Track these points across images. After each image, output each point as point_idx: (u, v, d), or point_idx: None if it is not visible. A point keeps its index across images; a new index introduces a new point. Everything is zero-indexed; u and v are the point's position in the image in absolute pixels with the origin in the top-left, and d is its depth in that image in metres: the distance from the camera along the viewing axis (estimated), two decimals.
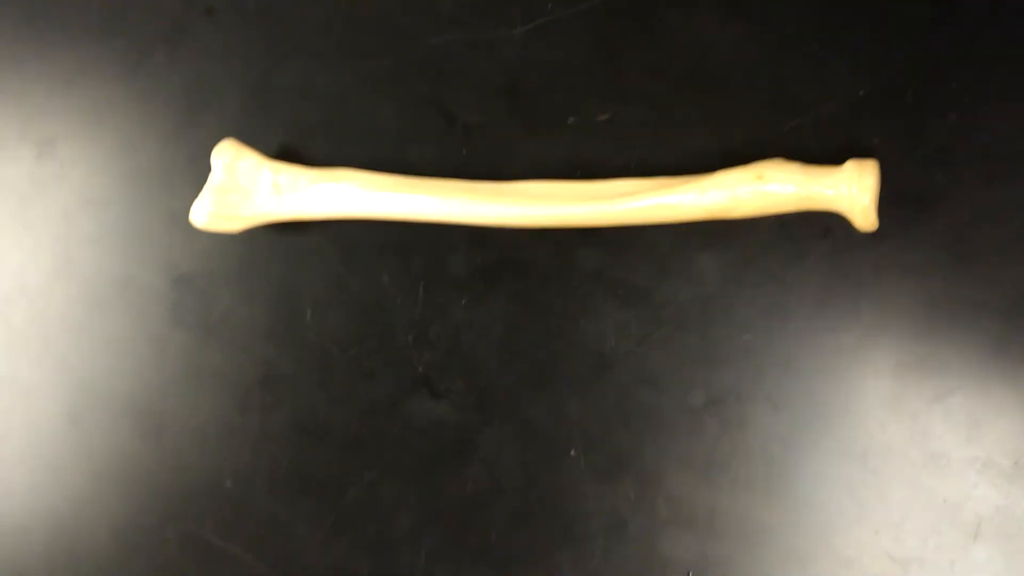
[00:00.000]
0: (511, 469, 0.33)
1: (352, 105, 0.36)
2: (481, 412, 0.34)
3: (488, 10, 0.36)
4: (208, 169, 0.34)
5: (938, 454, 0.30)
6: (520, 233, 0.34)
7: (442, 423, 0.34)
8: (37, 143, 0.38)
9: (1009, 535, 0.29)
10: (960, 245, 0.31)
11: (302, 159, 0.35)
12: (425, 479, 0.34)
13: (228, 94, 0.37)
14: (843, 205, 0.30)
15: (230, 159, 0.33)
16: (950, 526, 0.30)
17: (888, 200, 0.30)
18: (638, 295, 0.33)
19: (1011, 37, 0.32)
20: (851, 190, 0.29)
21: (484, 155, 0.35)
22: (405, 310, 0.34)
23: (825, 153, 0.32)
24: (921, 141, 0.32)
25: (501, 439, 0.33)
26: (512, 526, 0.33)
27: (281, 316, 0.35)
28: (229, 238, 0.35)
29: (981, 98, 0.31)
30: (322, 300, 0.35)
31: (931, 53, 0.32)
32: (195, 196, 0.34)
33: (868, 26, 0.33)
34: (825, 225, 0.31)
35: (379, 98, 0.36)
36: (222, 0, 0.37)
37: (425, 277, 0.34)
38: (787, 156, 0.31)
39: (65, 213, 0.37)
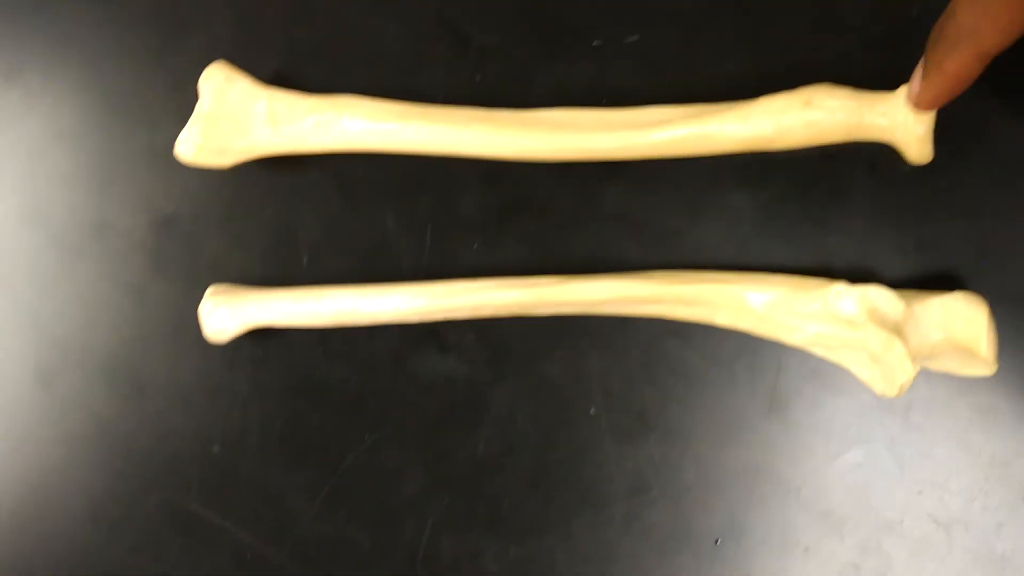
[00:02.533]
0: (525, 429, 0.38)
1: (354, 24, 0.40)
2: (493, 367, 0.39)
3: None
4: (194, 98, 0.37)
5: (986, 408, 0.36)
6: (538, 170, 0.39)
7: (451, 379, 0.39)
8: (1, 71, 0.41)
9: None
10: (1015, 180, 0.36)
11: (299, 85, 0.39)
12: (432, 441, 0.39)
13: (216, 12, 0.41)
14: (897, 135, 0.35)
15: (220, 84, 0.37)
16: (998, 485, 0.35)
17: (940, 131, 0.35)
18: (667, 238, 0.38)
19: None
20: (907, 118, 0.34)
21: (500, 81, 0.39)
22: (411, 255, 0.39)
23: (874, 79, 0.36)
24: None
25: (515, 397, 0.38)
26: (526, 492, 0.38)
27: (275, 262, 0.39)
28: (217, 176, 0.40)
29: None
30: (320, 244, 0.40)
31: None
32: (179, 128, 0.37)
33: None
34: (871, 159, 0.37)
35: (384, 16, 0.40)
36: None
37: (433, 219, 0.39)
38: (833, 82, 0.36)
39: (32, 149, 0.41)
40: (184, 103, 0.39)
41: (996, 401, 0.36)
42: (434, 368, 0.39)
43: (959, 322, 0.33)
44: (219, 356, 0.40)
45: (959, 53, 0.30)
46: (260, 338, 0.40)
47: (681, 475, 0.37)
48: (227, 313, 0.38)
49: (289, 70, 0.41)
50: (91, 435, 0.40)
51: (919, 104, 0.33)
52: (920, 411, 0.36)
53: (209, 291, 0.39)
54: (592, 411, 0.38)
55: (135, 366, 0.40)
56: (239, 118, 0.38)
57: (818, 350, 0.35)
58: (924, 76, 0.32)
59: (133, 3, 0.42)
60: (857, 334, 0.33)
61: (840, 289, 0.34)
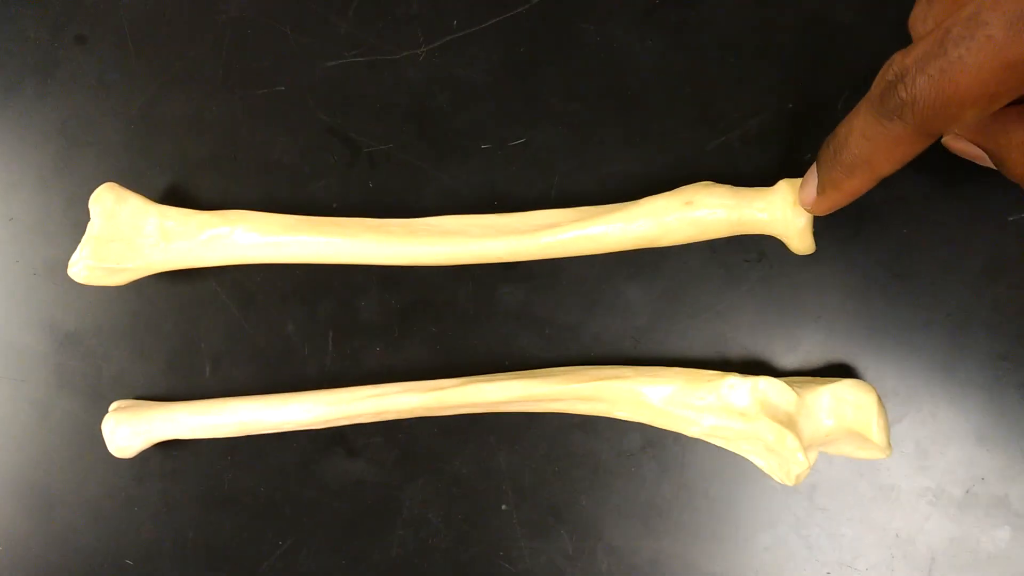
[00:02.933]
0: (438, 529, 0.39)
1: (245, 138, 0.41)
2: (403, 468, 0.39)
3: (389, 29, 0.41)
4: (88, 215, 0.39)
5: (887, 486, 0.37)
6: (436, 272, 0.40)
7: (361, 483, 0.39)
8: None
9: (964, 567, 0.36)
10: (900, 263, 0.37)
11: (191, 201, 0.41)
12: (346, 546, 0.39)
13: (106, 130, 0.42)
14: (778, 228, 0.35)
15: (110, 205, 0.38)
16: (903, 562, 0.36)
17: (823, 219, 0.36)
18: (565, 333, 0.39)
19: None
20: (785, 212, 0.35)
21: (392, 187, 0.40)
22: (314, 361, 0.40)
23: (755, 171, 0.38)
24: None
25: (426, 497, 0.39)
26: None
27: (178, 374, 0.40)
28: (117, 291, 0.41)
29: None
30: (222, 354, 0.40)
31: (861, 62, 0.38)
32: (76, 245, 0.38)
33: (794, 35, 0.39)
34: (759, 248, 0.38)
35: (274, 129, 0.41)
36: (93, 27, 0.43)
37: (334, 324, 0.40)
38: (715, 175, 0.37)
39: None
40: (80, 219, 0.40)
41: (896, 480, 0.37)
42: (343, 472, 0.40)
43: (850, 409, 0.34)
44: (128, 470, 0.41)
45: (856, 178, 0.30)
46: (168, 449, 0.40)
47: (595, 567, 0.38)
48: (130, 429, 0.38)
49: (181, 185, 0.41)
50: (1, 555, 0.41)
51: (815, 211, 0.34)
52: (824, 493, 0.37)
53: (112, 408, 0.39)
54: (504, 507, 0.39)
55: (44, 484, 0.41)
56: (131, 237, 0.38)
57: (717, 441, 0.35)
58: (820, 192, 0.32)
59: (24, 122, 0.43)
60: (751, 426, 0.34)
61: (733, 381, 0.35)
